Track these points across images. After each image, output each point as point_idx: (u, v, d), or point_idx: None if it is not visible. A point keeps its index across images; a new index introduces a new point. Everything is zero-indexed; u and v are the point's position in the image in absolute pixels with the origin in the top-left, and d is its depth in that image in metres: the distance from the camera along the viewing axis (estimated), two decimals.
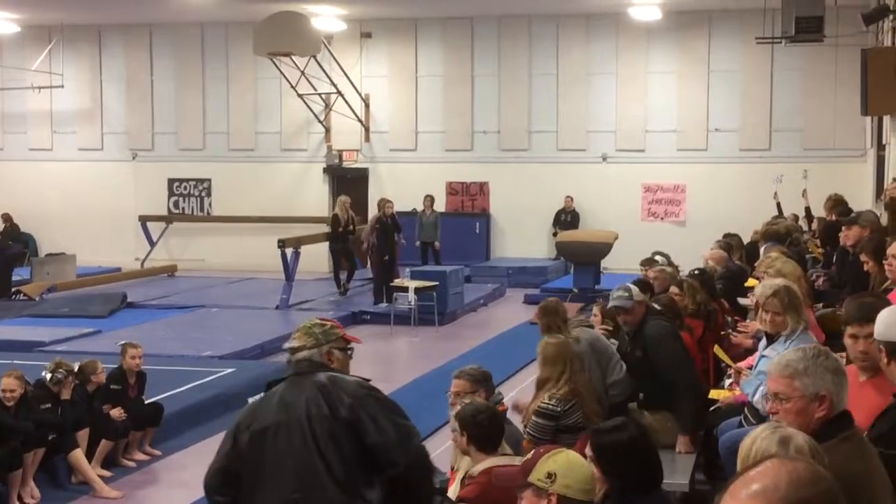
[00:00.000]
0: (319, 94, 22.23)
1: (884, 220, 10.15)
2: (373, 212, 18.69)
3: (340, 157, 23.05)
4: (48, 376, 8.07)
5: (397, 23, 22.51)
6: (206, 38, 23.64)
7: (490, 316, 17.47)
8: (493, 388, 5.83)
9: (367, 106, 22.99)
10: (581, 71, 22.01)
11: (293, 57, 20.60)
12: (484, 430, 4.78)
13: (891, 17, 14.41)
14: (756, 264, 10.38)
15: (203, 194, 24.09)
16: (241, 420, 4.29)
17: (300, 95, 21.84)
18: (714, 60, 21.36)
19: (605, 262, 18.63)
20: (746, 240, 13.02)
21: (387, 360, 14.26)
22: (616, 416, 5.04)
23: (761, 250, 10.50)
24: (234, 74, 23.48)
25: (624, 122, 21.84)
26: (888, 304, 4.49)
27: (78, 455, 7.99)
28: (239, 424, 4.26)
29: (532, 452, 3.88)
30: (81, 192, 24.11)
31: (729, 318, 8.70)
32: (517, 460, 4.64)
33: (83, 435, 8.17)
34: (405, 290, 15.57)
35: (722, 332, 8.01)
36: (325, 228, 21.96)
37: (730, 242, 11.52)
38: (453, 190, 22.60)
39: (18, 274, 19.71)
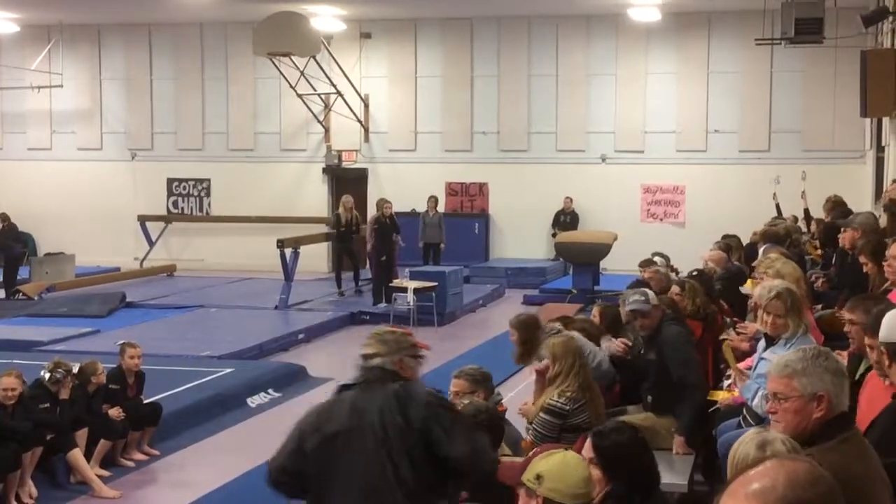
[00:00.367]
0: (319, 95, 22.23)
1: (883, 221, 10.15)
2: (372, 212, 18.67)
3: (340, 157, 23.05)
4: (47, 376, 8.06)
5: (397, 23, 22.51)
6: (206, 38, 23.64)
7: (489, 316, 17.46)
8: (493, 388, 5.83)
9: (366, 106, 22.99)
10: (580, 72, 22.01)
11: (292, 57, 20.60)
12: (484, 430, 4.78)
13: (890, 18, 14.41)
14: (754, 264, 10.40)
15: (202, 194, 24.09)
16: (307, 422, 4.31)
17: (299, 96, 21.84)
18: (713, 62, 21.36)
19: (604, 263, 18.63)
20: (745, 241, 13.01)
21: None
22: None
23: (760, 251, 10.50)
24: (234, 74, 23.48)
25: (623, 123, 21.84)
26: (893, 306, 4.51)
27: (76, 455, 7.98)
28: (305, 426, 4.28)
29: (533, 451, 3.89)
30: (80, 191, 24.10)
31: (728, 319, 8.70)
32: (517, 461, 4.64)
33: (82, 435, 8.17)
34: (404, 290, 15.57)
35: (721, 337, 8.00)
36: (324, 228, 22.02)
37: (729, 243, 11.52)
38: (452, 190, 22.59)
39: (17, 273, 19.71)
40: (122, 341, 9.26)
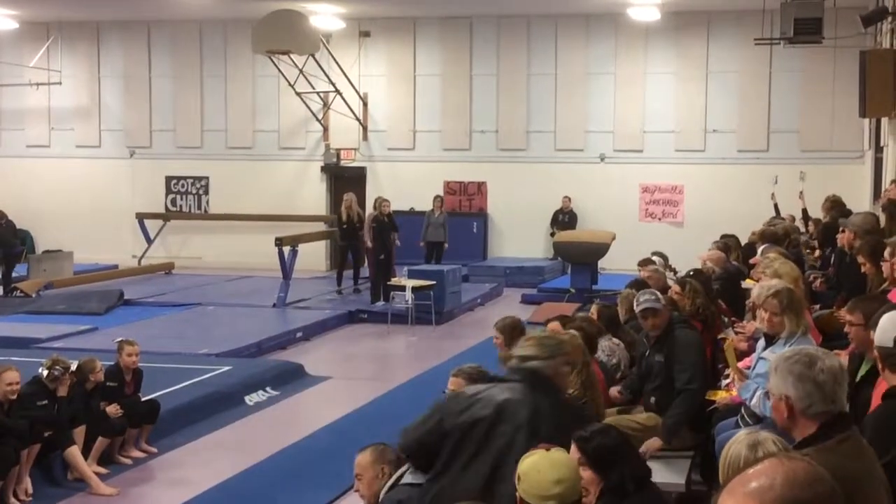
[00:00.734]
0: (318, 93, 22.23)
1: (881, 221, 10.15)
2: (370, 211, 18.65)
3: (338, 155, 23.05)
4: (45, 373, 8.05)
5: (396, 22, 22.51)
6: (205, 35, 23.63)
7: (487, 315, 17.43)
8: None
9: (365, 105, 22.98)
10: (579, 71, 22.01)
11: (291, 55, 20.59)
12: None
13: (889, 18, 14.42)
14: (752, 261, 10.40)
15: (201, 192, 24.08)
16: (450, 404, 4.45)
17: (298, 94, 21.83)
18: (712, 61, 21.37)
19: (602, 263, 18.63)
20: (744, 241, 13.01)
21: (384, 359, 14.26)
22: None
23: (759, 251, 10.50)
24: (233, 72, 23.47)
25: (622, 122, 21.85)
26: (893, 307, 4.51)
27: (74, 452, 7.98)
28: (448, 408, 4.42)
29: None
30: (79, 189, 24.09)
31: (726, 319, 8.71)
32: None
33: (79, 432, 8.16)
34: (402, 289, 15.57)
35: (719, 336, 8.00)
36: (322, 227, 22.05)
37: (727, 243, 11.53)
38: (451, 189, 22.59)
39: (15, 271, 19.70)
40: (119, 339, 9.25)
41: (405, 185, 22.24)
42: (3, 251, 18.56)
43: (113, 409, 8.50)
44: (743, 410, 5.81)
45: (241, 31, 22.00)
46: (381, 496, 4.58)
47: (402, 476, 4.58)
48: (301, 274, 18.85)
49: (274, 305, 16.80)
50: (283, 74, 21.55)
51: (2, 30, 23.44)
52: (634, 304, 7.01)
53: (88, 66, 24.20)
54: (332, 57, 21.89)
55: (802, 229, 15.07)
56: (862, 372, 4.77)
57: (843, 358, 4.28)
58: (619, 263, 18.22)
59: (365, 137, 23.10)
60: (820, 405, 3.22)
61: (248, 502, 7.78)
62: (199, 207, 24.14)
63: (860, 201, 16.51)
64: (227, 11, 22.10)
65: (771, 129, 21.19)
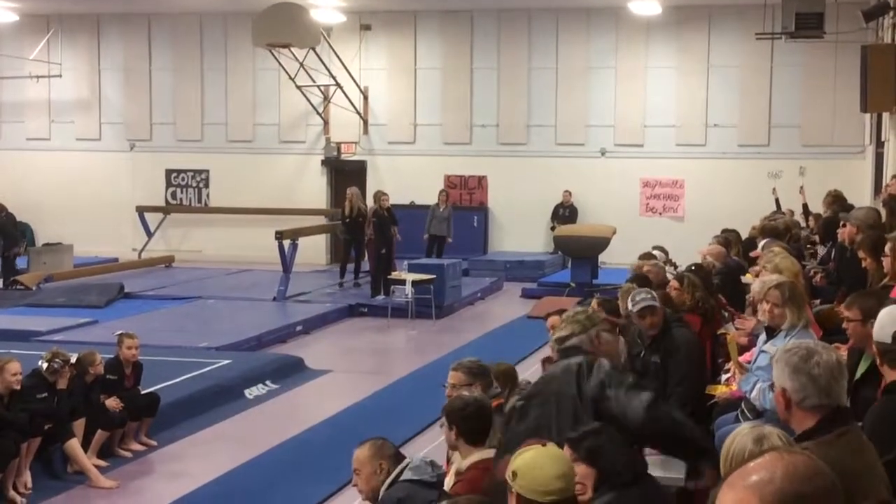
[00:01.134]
0: (318, 86, 22.21)
1: (882, 216, 10.14)
2: (370, 204, 18.63)
3: (339, 149, 23.04)
4: (44, 366, 8.05)
5: (396, 15, 22.48)
6: (205, 28, 23.60)
7: (487, 309, 17.47)
8: (491, 381, 5.81)
9: (365, 98, 22.96)
10: (580, 65, 21.99)
11: (292, 49, 20.57)
12: (472, 423, 4.77)
13: (891, 13, 14.41)
14: (752, 254, 10.40)
15: (201, 185, 24.07)
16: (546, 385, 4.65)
17: (299, 87, 21.81)
18: (713, 56, 21.34)
19: (602, 257, 18.64)
20: (744, 235, 13.01)
21: (384, 353, 14.27)
22: None
23: (759, 246, 10.50)
24: (233, 66, 23.45)
25: (623, 116, 21.83)
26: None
27: (74, 445, 7.98)
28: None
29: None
30: (79, 182, 24.08)
31: (726, 314, 8.70)
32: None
33: (79, 425, 8.16)
34: (403, 282, 15.57)
35: (719, 331, 8.00)
36: (322, 220, 22.05)
37: (728, 238, 11.52)
38: (451, 183, 22.57)
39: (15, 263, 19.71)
40: (119, 332, 9.26)
41: (406, 178, 22.23)
42: (4, 243, 18.59)
43: (113, 403, 8.50)
44: (743, 405, 5.81)
45: (242, 25, 21.98)
46: (382, 493, 4.56)
47: (402, 472, 4.57)
48: (301, 267, 18.85)
49: (274, 299, 16.80)
50: (283, 68, 21.53)
51: (2, 22, 23.40)
52: (629, 303, 6.98)
53: (89, 58, 24.18)
54: (333, 50, 21.86)
55: (803, 224, 15.07)
56: (861, 368, 4.76)
57: (842, 353, 4.28)
58: (619, 258, 18.21)
59: (365, 131, 23.09)
60: (814, 398, 3.22)
61: (248, 495, 7.78)
62: (200, 201, 24.13)
63: (861, 196, 16.50)
64: (228, 4, 22.07)
65: (772, 124, 21.17)
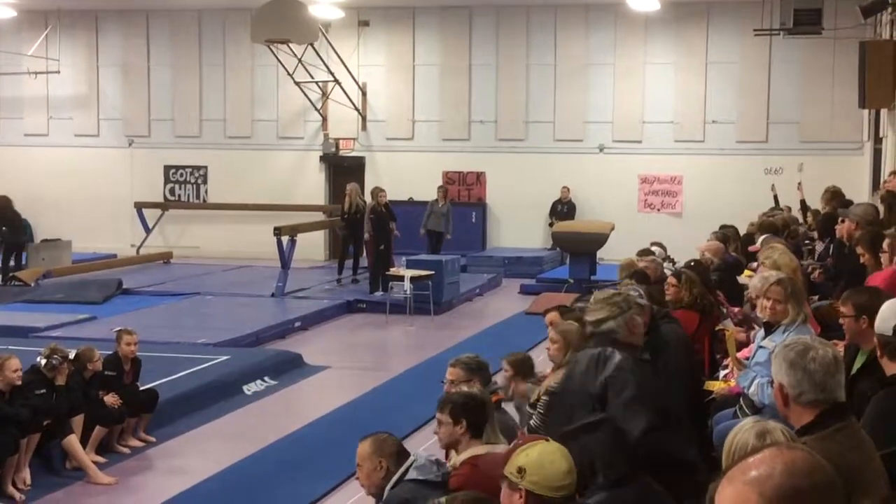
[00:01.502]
0: (316, 82, 22.19)
1: (881, 212, 10.14)
2: (368, 200, 18.62)
3: (337, 145, 23.02)
4: (43, 362, 8.05)
5: (395, 11, 22.46)
6: (204, 24, 23.58)
7: (486, 306, 17.48)
8: (490, 377, 5.82)
9: (364, 94, 22.95)
10: (579, 61, 21.98)
11: (290, 45, 20.55)
12: (478, 415, 4.73)
13: (889, 9, 14.41)
14: (751, 249, 10.40)
15: (199, 181, 24.06)
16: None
17: (297, 83, 21.80)
18: (712, 52, 21.34)
19: (601, 253, 18.63)
20: (743, 231, 13.02)
21: (382, 349, 14.27)
22: None
23: (758, 242, 10.50)
24: (232, 62, 23.43)
25: (621, 113, 21.82)
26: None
27: (73, 441, 7.98)
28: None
29: (513, 443, 3.87)
30: (77, 178, 24.05)
31: (724, 310, 8.71)
32: (500, 448, 4.63)
33: (78, 421, 8.16)
34: (401, 279, 15.56)
35: (717, 328, 8.00)
36: (321, 216, 22.05)
37: (726, 234, 11.53)
38: (450, 179, 22.56)
39: (14, 260, 19.70)
40: (118, 328, 9.26)
41: (404, 175, 22.22)
42: (11, 238, 18.69)
43: (112, 399, 8.50)
44: (741, 400, 5.81)
45: (240, 21, 21.96)
46: (386, 492, 4.51)
47: (407, 471, 4.50)
48: (300, 263, 18.84)
49: (272, 295, 16.79)
50: (281, 64, 21.51)
51: (0, 18, 23.37)
52: None
53: (87, 54, 24.15)
54: (331, 46, 21.85)
55: (801, 220, 15.08)
56: (857, 364, 4.77)
57: (839, 349, 4.28)
58: (617, 254, 18.13)
59: (364, 127, 23.07)
60: (810, 393, 3.23)
61: (247, 491, 7.79)
62: (198, 197, 24.12)
63: (859, 192, 16.50)
64: (226, 0, 22.04)
65: (770, 120, 21.17)
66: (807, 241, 12.58)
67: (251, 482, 7.96)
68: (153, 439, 9.05)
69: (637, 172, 21.76)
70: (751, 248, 10.85)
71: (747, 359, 6.23)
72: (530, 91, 22.27)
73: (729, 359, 6.59)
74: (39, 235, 23.71)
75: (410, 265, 16.35)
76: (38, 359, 8.12)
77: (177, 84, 23.85)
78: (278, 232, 17.53)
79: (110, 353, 8.91)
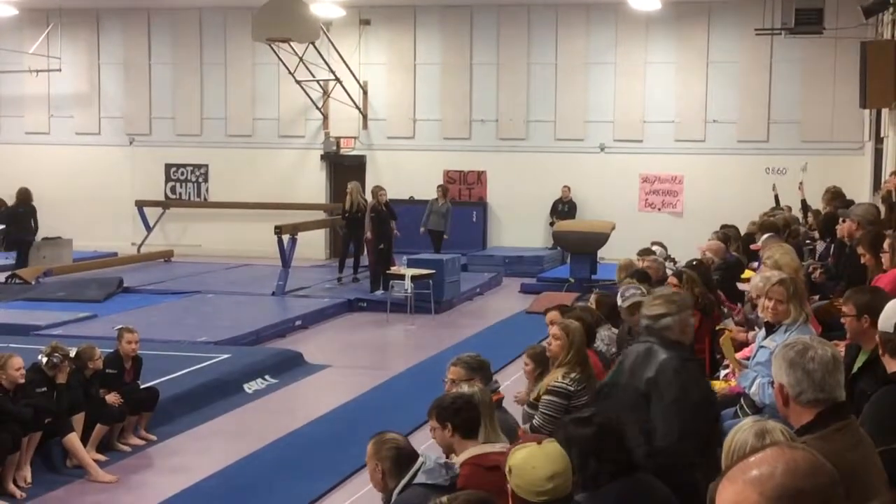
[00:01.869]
0: (317, 81, 22.19)
1: (882, 212, 10.14)
2: (368, 199, 18.62)
3: (338, 144, 23.02)
4: (44, 360, 8.06)
5: (396, 10, 22.46)
6: (205, 23, 23.58)
7: (486, 305, 17.47)
8: (490, 376, 5.82)
9: (365, 93, 22.95)
10: (580, 61, 21.97)
11: (291, 43, 20.54)
12: (464, 415, 4.70)
13: (890, 9, 14.40)
14: (752, 247, 10.39)
15: (200, 180, 24.06)
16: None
17: (298, 82, 21.79)
18: (713, 51, 21.33)
19: (601, 252, 18.63)
20: (743, 231, 13.01)
21: (383, 348, 14.28)
22: None
23: (760, 242, 10.50)
24: (233, 60, 23.43)
25: (622, 112, 21.81)
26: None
27: (73, 439, 7.98)
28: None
29: (516, 441, 3.87)
30: (78, 176, 24.05)
31: (725, 310, 8.72)
32: (497, 447, 4.62)
33: (79, 419, 8.17)
34: (402, 277, 15.56)
35: (718, 327, 8.01)
36: (321, 215, 22.05)
37: (727, 233, 11.53)
38: (451, 179, 22.57)
39: (14, 258, 19.71)
40: (119, 326, 9.26)
41: (405, 174, 22.22)
42: (19, 236, 18.82)
43: (113, 398, 8.50)
44: (742, 400, 5.82)
45: (241, 19, 21.95)
46: (395, 497, 4.47)
47: (415, 475, 4.44)
48: (300, 262, 18.85)
49: (273, 293, 16.80)
50: (282, 62, 21.51)
51: (1, 16, 23.36)
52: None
53: (88, 53, 24.15)
54: (333, 45, 21.85)
55: (801, 220, 15.08)
56: (858, 363, 4.78)
57: (840, 348, 4.29)
58: (618, 253, 18.10)
59: (365, 126, 23.07)
60: (810, 393, 3.23)
61: (247, 490, 7.79)
62: (199, 195, 24.12)
63: (860, 192, 16.51)
64: None
65: (771, 120, 21.16)
66: (807, 241, 12.58)
67: (251, 480, 7.97)
68: (154, 437, 9.06)
69: (638, 172, 21.76)
70: (752, 247, 10.85)
71: (747, 359, 6.24)
72: (531, 90, 22.26)
73: (728, 359, 6.60)
74: (40, 234, 23.71)
75: (411, 264, 16.36)
76: (39, 357, 8.13)
77: (178, 82, 23.85)
78: (279, 230, 17.53)
79: (111, 351, 8.92)
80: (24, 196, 19.41)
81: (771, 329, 5.84)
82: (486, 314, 16.28)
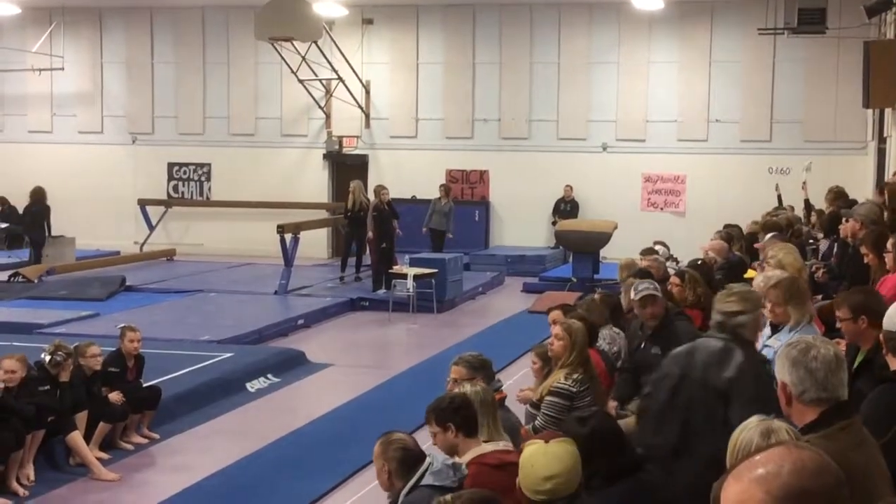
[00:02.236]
0: (320, 80, 22.20)
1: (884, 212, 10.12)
2: (371, 199, 18.62)
3: (340, 143, 23.03)
4: (47, 358, 8.07)
5: (399, 9, 22.46)
6: (207, 21, 23.59)
7: (488, 304, 17.48)
8: (493, 375, 5.81)
9: (367, 92, 22.95)
10: (582, 60, 21.97)
11: (294, 42, 20.54)
12: (464, 413, 4.69)
13: (893, 9, 14.39)
14: (756, 246, 10.37)
15: (203, 179, 24.07)
16: (669, 362, 4.76)
17: (301, 81, 21.80)
18: (716, 51, 21.32)
19: (604, 252, 18.62)
20: (746, 231, 13.00)
21: (385, 347, 14.28)
22: None
23: (763, 241, 10.48)
24: (235, 59, 23.43)
25: (625, 111, 21.81)
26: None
27: (76, 437, 7.99)
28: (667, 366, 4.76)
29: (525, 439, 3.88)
30: (81, 175, 24.06)
31: None
32: (501, 445, 4.62)
33: (82, 417, 8.17)
34: (404, 277, 15.56)
35: None
36: (324, 214, 22.05)
37: (730, 233, 11.51)
38: (453, 178, 22.57)
39: (17, 256, 19.75)
40: (122, 325, 9.27)
41: (407, 173, 22.22)
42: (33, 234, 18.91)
43: (115, 397, 8.51)
44: None
45: (244, 18, 21.95)
46: (402, 499, 4.45)
47: (422, 476, 4.38)
48: (302, 261, 18.86)
49: (275, 292, 16.80)
50: (285, 61, 21.51)
51: (4, 15, 23.39)
52: (632, 292, 6.98)
53: (91, 51, 24.17)
54: (335, 44, 21.85)
55: (804, 219, 15.06)
56: (856, 363, 4.79)
57: (842, 347, 4.30)
58: (620, 253, 18.09)
59: (367, 125, 23.08)
60: (812, 392, 3.23)
61: (249, 489, 7.79)
62: (201, 194, 24.13)
63: (863, 192, 16.47)
64: None
65: (774, 120, 21.15)
66: (811, 241, 12.57)
67: (254, 479, 7.97)
68: (156, 436, 9.06)
69: (640, 171, 21.75)
70: (756, 245, 10.84)
71: None
72: (533, 89, 22.26)
73: None
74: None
75: (413, 263, 16.36)
76: (42, 355, 8.14)
77: (180, 81, 23.86)
78: (281, 229, 17.54)
79: (114, 349, 8.93)
80: (39, 195, 19.47)
81: (775, 328, 5.84)
82: (488, 313, 16.28)
